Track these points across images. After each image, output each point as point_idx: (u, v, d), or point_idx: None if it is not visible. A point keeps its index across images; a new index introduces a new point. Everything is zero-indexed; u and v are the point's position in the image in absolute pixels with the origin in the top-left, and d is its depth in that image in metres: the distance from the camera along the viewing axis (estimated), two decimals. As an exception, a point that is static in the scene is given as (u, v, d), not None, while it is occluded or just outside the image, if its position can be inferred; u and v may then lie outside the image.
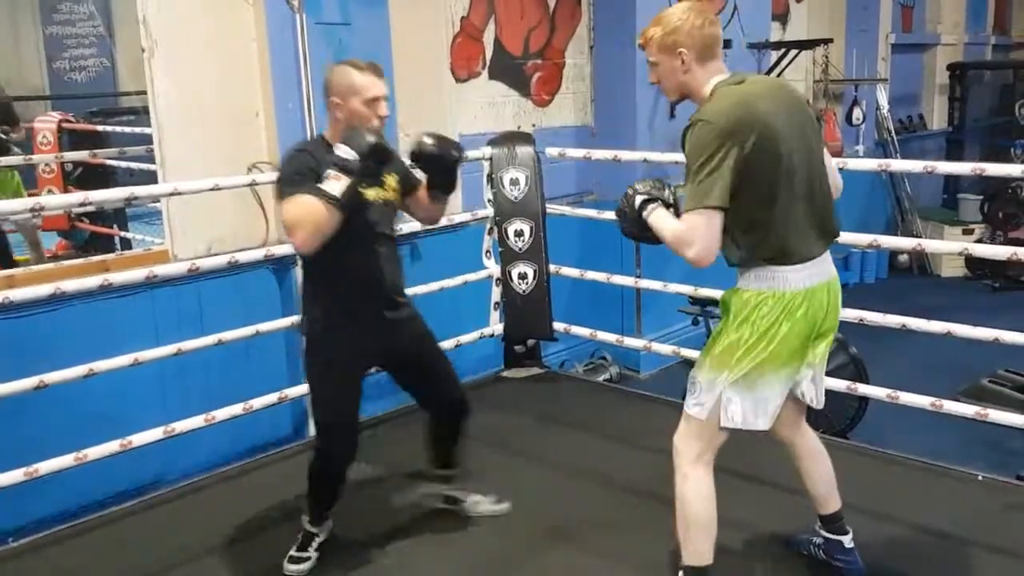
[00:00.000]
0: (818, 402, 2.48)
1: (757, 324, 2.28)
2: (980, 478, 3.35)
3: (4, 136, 5.53)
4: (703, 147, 2.19)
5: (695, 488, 2.38)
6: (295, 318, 3.40)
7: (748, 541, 2.93)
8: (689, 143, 2.24)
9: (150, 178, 5.20)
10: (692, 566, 2.42)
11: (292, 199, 2.44)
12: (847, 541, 2.67)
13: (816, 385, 2.46)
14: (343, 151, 2.42)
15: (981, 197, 8.24)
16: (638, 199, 2.39)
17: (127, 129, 6.06)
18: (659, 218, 2.36)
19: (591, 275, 4.50)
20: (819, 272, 2.34)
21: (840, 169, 4.03)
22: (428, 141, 2.72)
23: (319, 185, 2.41)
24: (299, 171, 2.50)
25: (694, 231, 2.20)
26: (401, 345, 2.80)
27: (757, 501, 3.16)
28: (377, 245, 2.71)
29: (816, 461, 2.63)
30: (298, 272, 3.45)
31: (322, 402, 2.79)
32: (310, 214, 2.39)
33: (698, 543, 2.40)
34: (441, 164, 2.76)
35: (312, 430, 3.31)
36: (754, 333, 2.28)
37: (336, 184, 2.40)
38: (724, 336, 2.33)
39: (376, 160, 2.48)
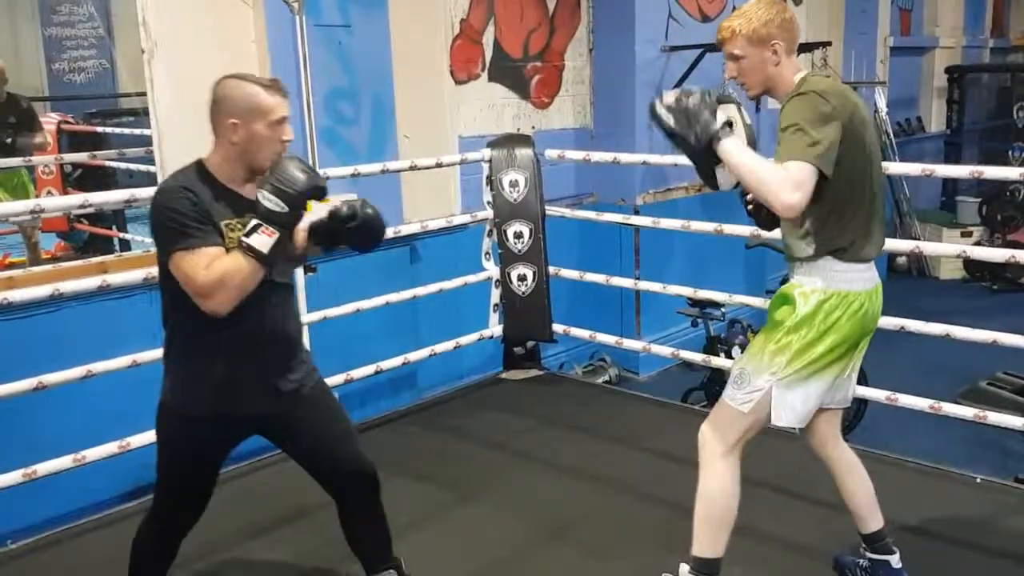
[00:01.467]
0: (849, 403, 2.51)
1: (819, 323, 2.27)
2: (979, 480, 3.36)
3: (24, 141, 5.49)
4: (810, 110, 2.14)
5: (722, 482, 2.35)
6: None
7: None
8: (791, 108, 2.18)
9: (150, 179, 5.20)
10: (704, 557, 2.39)
11: (195, 254, 2.02)
12: (895, 561, 2.57)
13: (849, 388, 2.48)
14: (269, 199, 2.02)
15: (979, 200, 8.27)
16: (719, 116, 2.21)
17: (126, 130, 6.06)
18: (740, 148, 2.21)
19: (590, 277, 4.50)
20: (874, 276, 2.36)
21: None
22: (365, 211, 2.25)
23: (242, 237, 2.03)
24: (197, 218, 2.04)
25: (803, 177, 2.09)
26: (289, 413, 2.30)
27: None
28: (272, 297, 2.21)
29: (855, 476, 2.58)
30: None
31: (160, 482, 2.33)
32: (235, 274, 2.02)
33: (715, 536, 2.37)
34: (370, 235, 2.32)
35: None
36: (814, 332, 2.27)
37: (266, 240, 2.02)
38: (782, 332, 2.29)
39: (308, 200, 2.09)
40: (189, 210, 2.05)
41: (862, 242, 2.29)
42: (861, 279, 2.30)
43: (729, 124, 2.24)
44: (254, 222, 2.04)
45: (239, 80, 2.15)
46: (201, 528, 3.13)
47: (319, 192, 2.10)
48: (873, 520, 2.58)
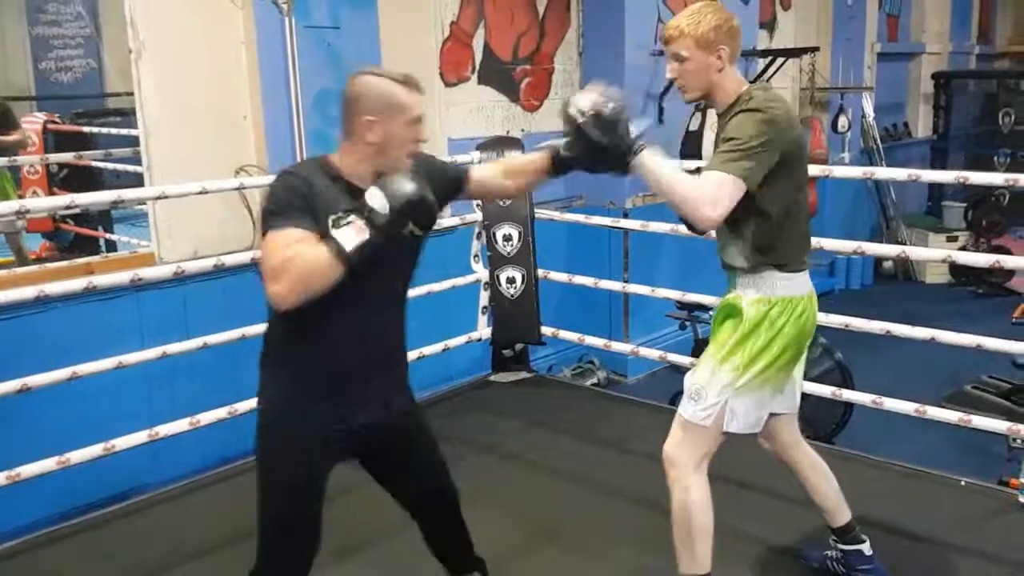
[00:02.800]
0: (796, 406, 2.56)
1: (766, 331, 2.30)
2: (964, 483, 3.38)
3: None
4: (752, 129, 2.16)
5: (698, 497, 2.36)
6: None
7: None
8: (737, 123, 2.19)
9: (136, 180, 5.17)
10: (693, 574, 2.40)
11: (279, 233, 1.87)
12: (866, 549, 2.66)
13: (797, 392, 2.54)
14: (375, 196, 1.86)
15: (965, 205, 8.32)
16: (632, 128, 2.13)
17: (113, 131, 6.03)
18: (658, 162, 2.18)
19: (579, 280, 4.51)
20: (809, 282, 2.40)
21: (826, 177, 4.08)
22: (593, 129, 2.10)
23: (332, 228, 1.86)
24: (290, 200, 1.91)
25: (724, 192, 2.11)
26: (392, 441, 2.19)
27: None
28: (383, 303, 2.10)
29: (819, 472, 2.63)
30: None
31: (268, 512, 2.10)
32: (303, 261, 1.82)
33: (701, 551, 2.38)
34: (598, 156, 2.17)
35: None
36: (763, 339, 2.30)
37: (353, 236, 1.83)
38: (732, 343, 2.33)
39: (411, 219, 1.92)
40: (292, 193, 1.92)
41: (800, 252, 2.35)
42: (802, 284, 2.36)
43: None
44: (350, 217, 1.87)
45: (375, 76, 2.01)
46: (184, 532, 3.16)
47: (425, 214, 1.93)
48: (841, 513, 2.66)
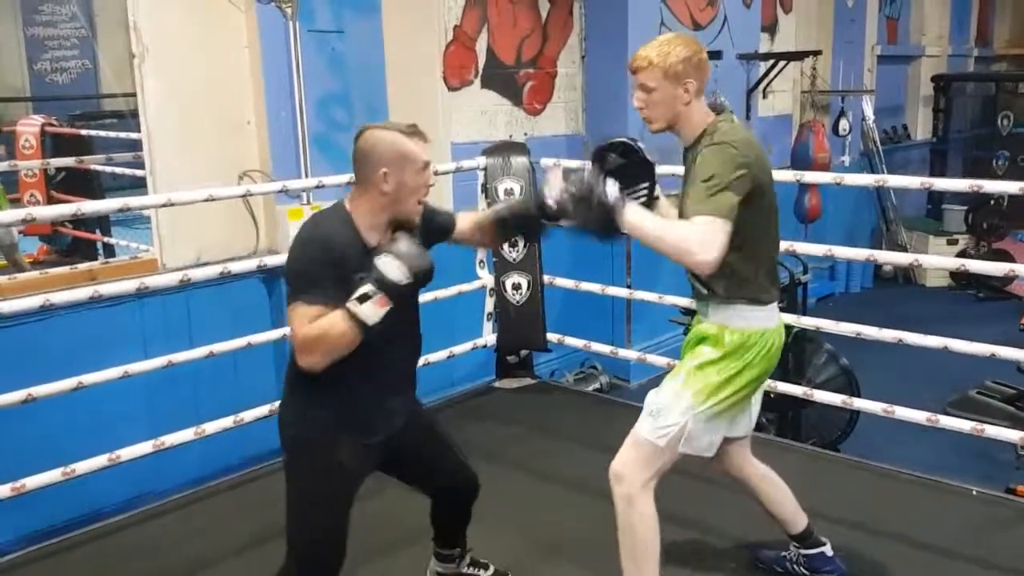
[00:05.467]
0: (751, 430, 2.58)
1: (737, 360, 2.32)
2: (975, 492, 3.35)
3: None
4: (726, 164, 2.17)
5: (646, 516, 2.36)
6: (286, 329, 3.34)
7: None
8: (709, 158, 2.20)
9: (134, 181, 5.14)
10: None
11: (306, 309, 2.04)
12: (828, 550, 2.69)
13: (754, 415, 2.55)
14: (392, 268, 2.02)
15: (965, 208, 8.32)
16: (610, 189, 2.15)
17: (111, 133, 5.98)
18: (645, 216, 2.19)
19: (586, 286, 4.48)
20: (778, 313, 2.42)
21: (836, 185, 4.06)
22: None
23: (352, 303, 2.01)
24: (323, 272, 2.06)
25: (716, 238, 2.11)
26: (407, 445, 2.38)
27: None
28: (402, 332, 2.26)
29: (772, 484, 2.65)
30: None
31: (306, 528, 2.25)
32: (330, 339, 2.02)
33: (646, 571, 2.39)
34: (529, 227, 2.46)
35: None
36: (732, 369, 2.32)
37: (376, 311, 2.01)
38: (701, 368, 2.33)
39: (422, 285, 2.11)
40: (319, 261, 2.07)
41: (770, 284, 2.37)
42: (771, 317, 2.37)
43: (631, 193, 2.19)
44: (368, 288, 2.02)
45: (383, 130, 2.16)
46: (191, 541, 3.13)
47: (429, 278, 2.11)
48: (799, 520, 2.67)
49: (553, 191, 2.21)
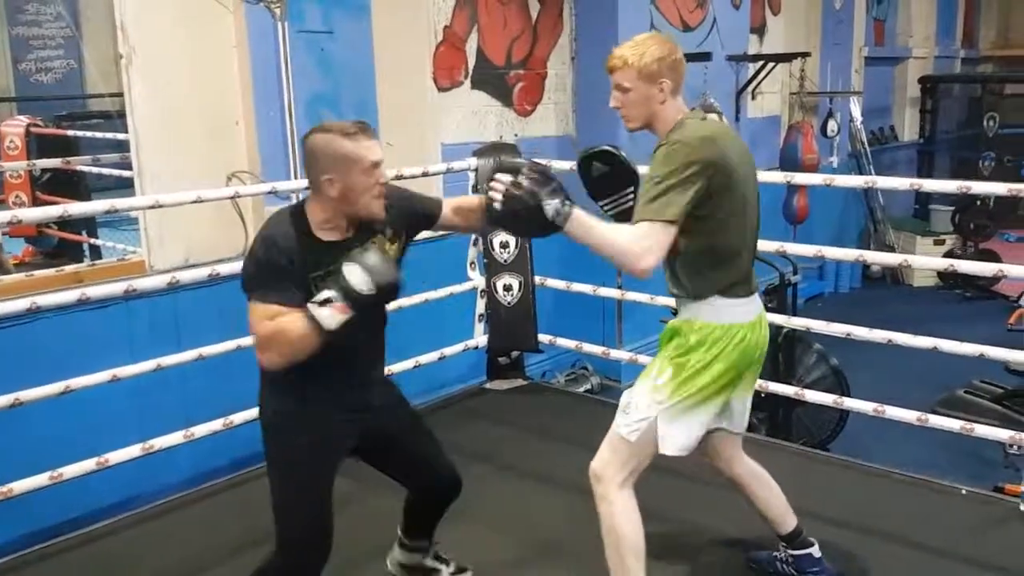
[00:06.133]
0: (744, 428, 2.58)
1: (703, 354, 2.32)
2: (964, 492, 3.37)
3: None
4: (673, 163, 2.18)
5: (626, 514, 2.37)
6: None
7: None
8: (659, 158, 2.22)
9: (120, 182, 5.09)
10: None
11: (262, 307, 2.06)
12: (815, 551, 2.69)
13: (744, 413, 2.54)
14: (356, 277, 2.01)
15: (952, 208, 8.36)
16: (549, 203, 2.13)
17: (98, 134, 5.94)
18: (587, 224, 2.18)
19: (577, 287, 4.48)
20: (757, 308, 2.42)
21: (826, 186, 4.08)
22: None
23: (311, 306, 2.02)
24: (279, 270, 2.08)
25: (654, 242, 2.15)
26: (390, 432, 2.43)
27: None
28: (370, 327, 2.27)
29: (763, 484, 2.66)
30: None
31: (287, 511, 2.27)
32: (286, 338, 2.03)
33: (634, 569, 2.39)
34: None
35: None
36: (699, 363, 2.32)
37: (334, 317, 2.01)
38: (669, 362, 2.35)
39: (387, 299, 2.13)
40: (275, 260, 2.09)
41: (742, 280, 2.36)
42: (743, 312, 2.37)
43: (565, 201, 2.17)
44: (330, 293, 2.02)
45: (324, 133, 2.14)
46: (181, 545, 3.10)
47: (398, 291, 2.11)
48: (789, 520, 2.68)
49: (496, 193, 2.17)
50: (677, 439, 2.35)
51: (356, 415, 2.30)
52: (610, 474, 2.37)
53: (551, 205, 2.14)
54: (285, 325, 2.03)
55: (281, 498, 2.27)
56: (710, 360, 2.31)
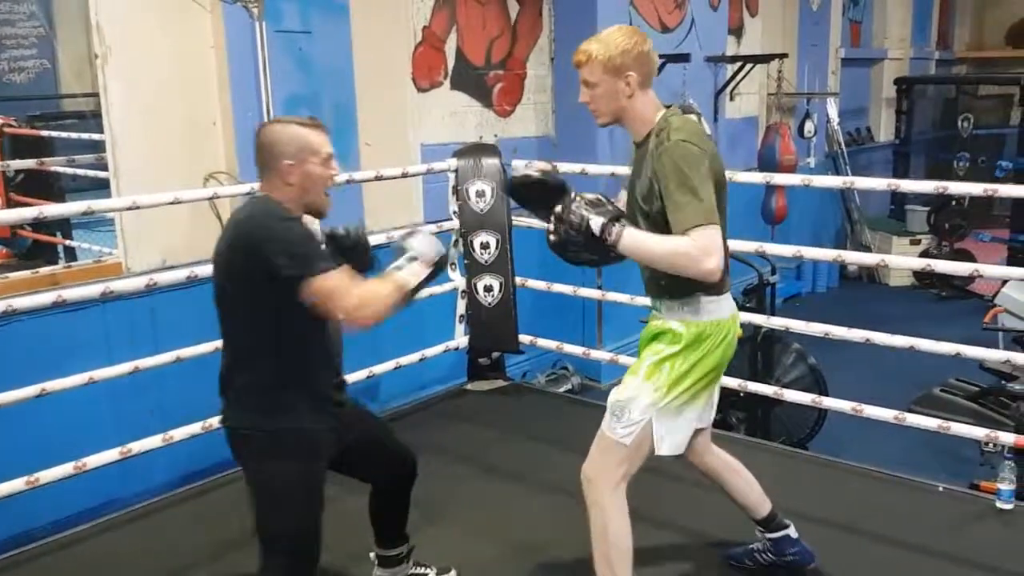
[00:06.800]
0: (711, 420, 2.59)
1: (694, 353, 2.33)
2: (941, 489, 3.41)
3: None
4: (694, 164, 2.17)
5: (618, 518, 2.37)
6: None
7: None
8: (674, 159, 2.18)
9: (95, 183, 5.03)
10: None
11: (341, 275, 2.09)
12: (792, 532, 2.71)
13: (714, 407, 2.55)
14: (427, 243, 2.22)
15: (928, 209, 8.44)
16: (595, 223, 2.21)
17: (72, 134, 5.87)
18: (639, 239, 2.23)
19: (557, 288, 4.48)
20: (732, 303, 2.43)
21: (805, 186, 4.10)
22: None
23: (392, 267, 2.18)
24: (316, 243, 2.18)
25: (713, 243, 2.14)
26: (349, 429, 2.41)
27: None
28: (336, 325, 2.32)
29: (736, 473, 2.68)
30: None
31: (290, 521, 2.24)
32: (383, 296, 2.12)
33: (621, 572, 2.39)
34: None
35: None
36: (689, 361, 2.32)
37: (418, 275, 2.17)
38: (659, 363, 2.33)
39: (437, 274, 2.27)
40: (312, 234, 2.16)
41: (724, 274, 2.34)
42: (726, 308, 2.39)
43: (613, 220, 2.22)
44: (410, 255, 2.19)
45: (283, 123, 2.22)
46: (159, 550, 3.07)
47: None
48: (764, 505, 2.70)
49: (551, 232, 2.30)
50: (674, 439, 2.36)
51: (335, 419, 2.31)
52: (604, 477, 2.36)
53: (597, 222, 2.20)
54: (372, 285, 2.14)
55: (282, 514, 2.23)
56: (700, 357, 2.32)
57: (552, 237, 2.30)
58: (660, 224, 2.23)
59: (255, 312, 2.15)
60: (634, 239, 2.22)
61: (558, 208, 2.26)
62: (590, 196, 2.27)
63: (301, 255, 2.08)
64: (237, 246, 2.12)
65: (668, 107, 2.34)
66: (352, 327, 2.17)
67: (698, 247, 2.13)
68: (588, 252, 2.29)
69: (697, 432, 2.54)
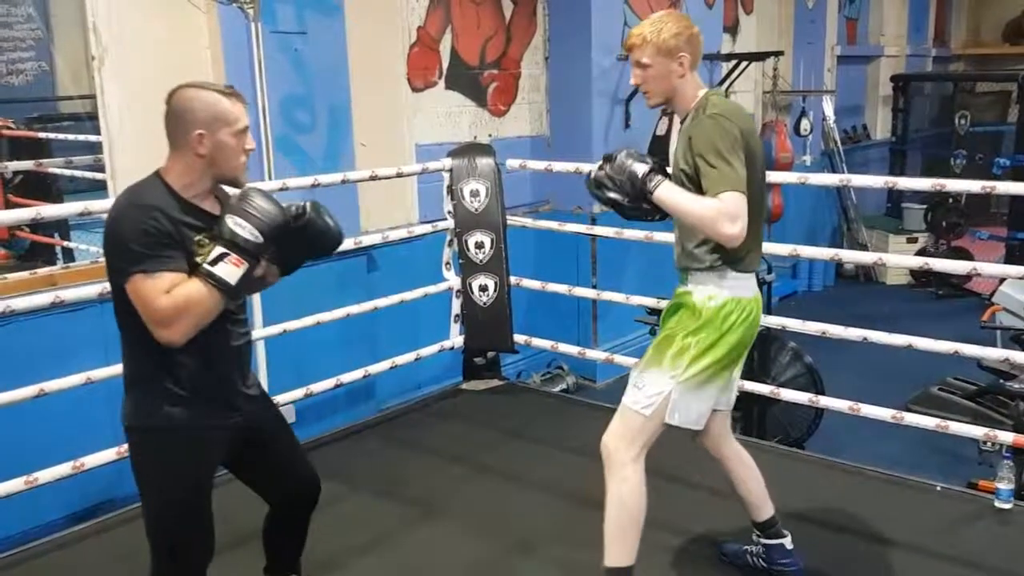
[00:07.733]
0: (732, 403, 2.64)
1: (718, 327, 2.36)
2: (939, 488, 3.41)
3: None
4: (726, 136, 2.26)
5: (634, 489, 2.40)
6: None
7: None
8: (708, 132, 2.27)
9: (92, 184, 5.03)
10: (618, 567, 2.43)
11: (157, 282, 1.91)
12: (787, 543, 2.72)
13: (735, 390, 2.61)
14: (242, 227, 1.95)
15: (925, 207, 8.44)
16: (639, 168, 2.33)
17: (70, 136, 5.87)
18: (674, 192, 2.32)
19: (552, 287, 4.48)
20: (755, 284, 2.48)
21: (801, 184, 4.11)
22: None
23: (204, 266, 1.93)
24: (162, 239, 1.94)
25: (739, 208, 2.21)
26: (261, 438, 2.28)
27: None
28: (239, 314, 2.19)
29: (747, 467, 2.70)
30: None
31: (168, 522, 2.13)
32: (197, 304, 1.93)
33: (628, 543, 2.42)
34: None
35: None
36: (714, 336, 2.36)
37: (235, 271, 1.94)
38: (682, 336, 2.38)
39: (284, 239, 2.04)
40: (153, 229, 1.93)
41: (754, 253, 2.43)
42: (750, 287, 2.44)
43: (655, 171, 2.34)
44: (219, 250, 1.94)
45: (198, 89, 2.05)
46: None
47: (306, 233, 2.11)
48: (766, 508, 2.71)
49: (596, 176, 2.42)
50: (689, 412, 2.39)
51: (230, 420, 2.16)
52: (624, 448, 2.40)
53: (641, 168, 2.31)
54: (190, 294, 1.93)
55: (159, 517, 2.14)
56: (722, 334, 2.36)
57: (593, 174, 2.42)
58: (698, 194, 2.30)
59: (121, 304, 2.02)
60: (670, 191, 2.31)
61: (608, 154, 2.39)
62: (636, 151, 2.39)
63: (126, 251, 1.94)
64: (105, 233, 2.01)
65: (710, 88, 2.43)
66: (161, 338, 1.95)
67: (725, 211, 2.20)
68: (620, 194, 2.37)
69: (716, 418, 2.57)
